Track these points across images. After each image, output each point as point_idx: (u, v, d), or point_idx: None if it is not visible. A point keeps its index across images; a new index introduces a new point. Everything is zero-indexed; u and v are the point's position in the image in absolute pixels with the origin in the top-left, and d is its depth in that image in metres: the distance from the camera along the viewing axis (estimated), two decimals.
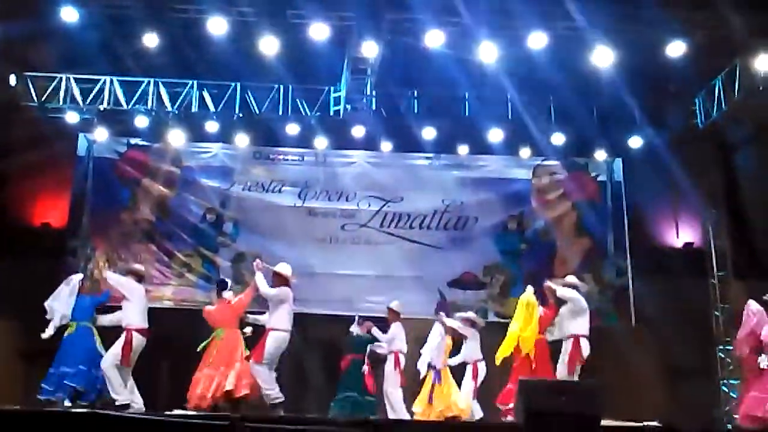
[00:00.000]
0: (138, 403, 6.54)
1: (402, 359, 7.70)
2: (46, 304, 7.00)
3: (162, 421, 4.79)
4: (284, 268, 6.83)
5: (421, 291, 9.87)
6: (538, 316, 6.88)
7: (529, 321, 6.86)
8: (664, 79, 9.48)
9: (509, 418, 6.80)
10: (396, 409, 7.54)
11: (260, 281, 6.70)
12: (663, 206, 10.39)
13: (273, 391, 6.47)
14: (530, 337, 6.84)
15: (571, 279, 7.22)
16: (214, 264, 10.00)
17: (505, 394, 6.99)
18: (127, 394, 6.44)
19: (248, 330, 7.10)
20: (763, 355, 6.39)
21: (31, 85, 9.53)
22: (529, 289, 7.21)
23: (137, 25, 8.13)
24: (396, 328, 7.77)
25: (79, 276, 7.41)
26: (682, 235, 10.44)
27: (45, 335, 6.91)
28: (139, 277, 7.00)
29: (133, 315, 6.62)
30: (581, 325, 6.75)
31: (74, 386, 6.66)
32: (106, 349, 6.71)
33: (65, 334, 6.99)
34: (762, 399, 6.24)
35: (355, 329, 7.88)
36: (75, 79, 9.59)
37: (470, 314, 8.14)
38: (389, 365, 7.69)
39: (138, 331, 6.58)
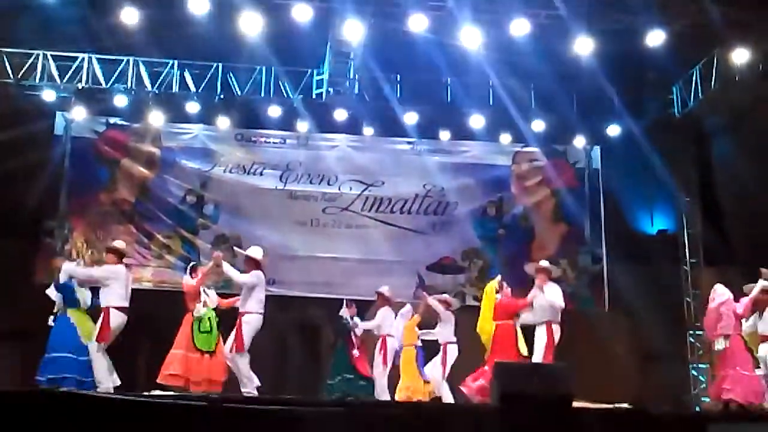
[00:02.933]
0: (115, 383, 6.55)
1: (390, 343, 7.77)
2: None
3: (140, 401, 4.81)
4: (255, 252, 6.88)
5: (400, 274, 9.95)
6: (492, 304, 6.97)
7: (486, 310, 6.99)
8: (643, 68, 9.60)
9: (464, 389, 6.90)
10: (379, 393, 7.61)
11: (231, 271, 6.76)
12: (639, 194, 10.57)
13: (251, 385, 6.52)
14: (483, 326, 6.97)
15: (543, 264, 7.28)
16: (194, 246, 9.97)
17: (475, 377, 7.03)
18: (109, 381, 6.42)
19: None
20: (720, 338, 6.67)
21: (6, 61, 9.35)
22: (497, 278, 7.30)
23: (116, 2, 7.99)
24: (384, 312, 7.84)
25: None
26: (656, 222, 10.65)
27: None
28: (120, 255, 6.89)
29: (111, 295, 6.55)
30: (556, 313, 6.88)
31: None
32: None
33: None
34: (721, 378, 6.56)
35: (344, 312, 7.94)
36: (52, 56, 9.43)
37: (445, 296, 8.25)
38: (376, 350, 7.77)
39: (116, 308, 6.51)
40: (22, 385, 6.78)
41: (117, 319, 6.48)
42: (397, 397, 7.66)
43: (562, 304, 6.89)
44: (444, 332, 7.90)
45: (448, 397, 7.67)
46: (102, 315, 6.49)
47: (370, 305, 8.22)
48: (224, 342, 6.80)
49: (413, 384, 7.67)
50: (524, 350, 6.85)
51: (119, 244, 7.13)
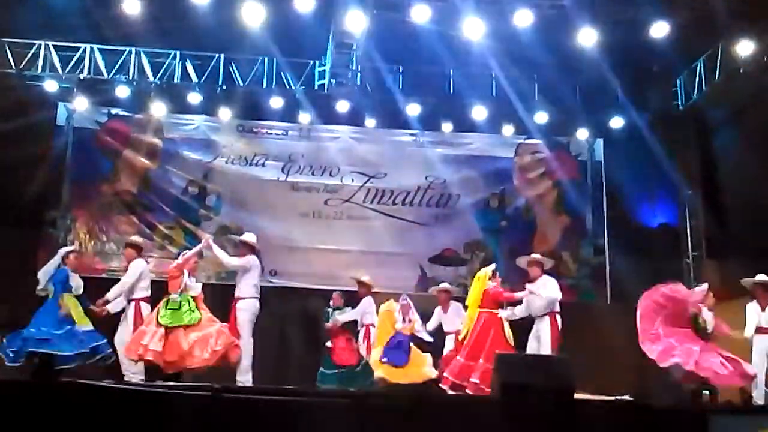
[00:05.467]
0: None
1: (373, 332, 7.76)
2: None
3: (142, 391, 4.83)
4: (249, 237, 6.93)
5: (402, 267, 9.97)
6: (481, 290, 6.87)
7: (474, 295, 6.92)
8: (646, 60, 9.56)
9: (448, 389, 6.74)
10: None
11: (220, 254, 6.75)
12: (642, 186, 10.54)
13: (244, 377, 6.47)
14: (469, 313, 6.91)
15: (536, 257, 7.28)
16: (196, 237, 9.92)
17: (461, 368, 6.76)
18: (138, 373, 6.48)
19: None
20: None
21: (8, 51, 9.33)
22: (491, 266, 7.21)
23: None
24: (366, 302, 7.83)
25: (68, 249, 7.17)
26: (659, 214, 10.63)
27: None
28: (139, 249, 7.00)
29: (137, 288, 6.71)
30: (556, 303, 6.89)
31: (34, 350, 6.33)
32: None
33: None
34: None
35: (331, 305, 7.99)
36: (54, 46, 9.41)
37: (444, 285, 8.23)
38: (360, 339, 7.77)
39: (143, 300, 6.70)
40: (22, 376, 6.80)
41: (146, 311, 6.65)
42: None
43: (559, 295, 6.88)
44: (449, 322, 7.89)
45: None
46: (133, 309, 6.63)
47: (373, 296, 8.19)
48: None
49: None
50: (512, 341, 6.78)
51: (137, 238, 7.30)
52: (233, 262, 6.79)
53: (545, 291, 6.85)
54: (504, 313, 6.89)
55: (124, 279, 6.72)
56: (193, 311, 6.49)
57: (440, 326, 7.94)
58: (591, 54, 8.56)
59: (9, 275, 8.81)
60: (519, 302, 6.98)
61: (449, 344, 7.81)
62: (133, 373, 6.45)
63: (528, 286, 6.94)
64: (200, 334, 6.35)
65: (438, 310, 7.96)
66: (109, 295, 6.62)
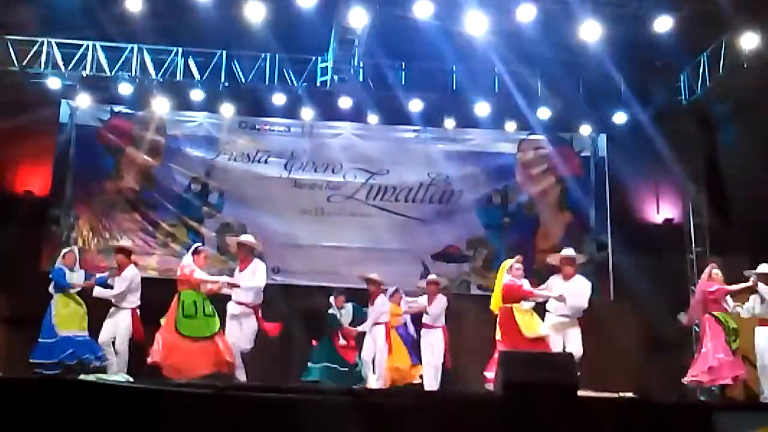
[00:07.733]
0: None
1: (393, 331, 7.80)
2: None
3: (144, 388, 4.84)
4: (248, 238, 7.02)
5: (405, 263, 9.96)
6: (500, 285, 6.85)
7: (497, 289, 6.92)
8: (650, 55, 9.50)
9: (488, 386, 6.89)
10: (384, 380, 7.63)
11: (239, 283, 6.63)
12: (645, 182, 10.51)
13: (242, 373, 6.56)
14: (492, 307, 6.91)
15: (568, 253, 7.31)
16: (199, 234, 9.98)
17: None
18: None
19: None
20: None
21: (11, 49, 9.33)
22: (513, 259, 7.16)
23: None
24: (381, 301, 7.83)
25: (65, 250, 7.60)
26: (662, 211, 10.59)
27: None
28: (129, 253, 7.13)
29: (131, 296, 6.94)
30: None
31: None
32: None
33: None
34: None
35: (333, 310, 7.99)
36: (57, 43, 9.40)
37: (432, 276, 8.25)
38: (381, 337, 7.74)
39: (139, 307, 6.98)
40: (29, 373, 6.84)
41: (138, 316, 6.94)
42: (384, 377, 7.65)
43: (585, 305, 6.93)
44: (441, 316, 7.92)
45: (432, 383, 7.68)
46: (131, 316, 6.92)
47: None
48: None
49: (402, 365, 7.70)
50: (530, 332, 6.61)
51: (126, 242, 7.37)
52: (258, 282, 6.66)
53: (577, 299, 6.87)
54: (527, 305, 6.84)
55: (118, 287, 6.93)
56: (210, 316, 6.47)
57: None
58: (594, 49, 8.51)
59: (12, 272, 8.84)
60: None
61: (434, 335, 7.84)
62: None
63: (559, 284, 6.92)
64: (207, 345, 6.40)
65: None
66: (96, 294, 7.03)
